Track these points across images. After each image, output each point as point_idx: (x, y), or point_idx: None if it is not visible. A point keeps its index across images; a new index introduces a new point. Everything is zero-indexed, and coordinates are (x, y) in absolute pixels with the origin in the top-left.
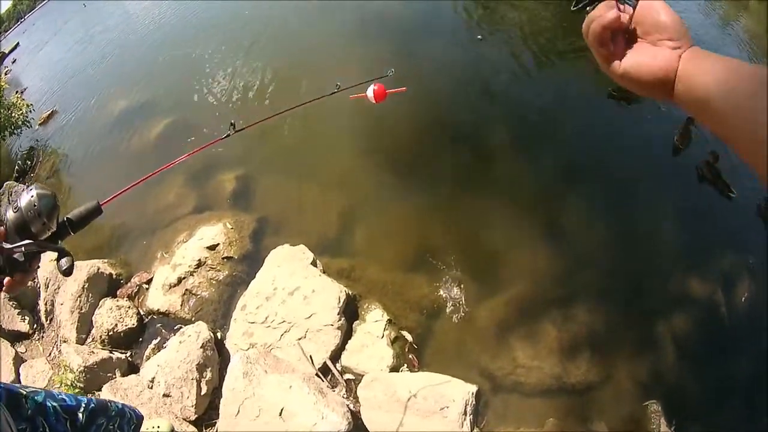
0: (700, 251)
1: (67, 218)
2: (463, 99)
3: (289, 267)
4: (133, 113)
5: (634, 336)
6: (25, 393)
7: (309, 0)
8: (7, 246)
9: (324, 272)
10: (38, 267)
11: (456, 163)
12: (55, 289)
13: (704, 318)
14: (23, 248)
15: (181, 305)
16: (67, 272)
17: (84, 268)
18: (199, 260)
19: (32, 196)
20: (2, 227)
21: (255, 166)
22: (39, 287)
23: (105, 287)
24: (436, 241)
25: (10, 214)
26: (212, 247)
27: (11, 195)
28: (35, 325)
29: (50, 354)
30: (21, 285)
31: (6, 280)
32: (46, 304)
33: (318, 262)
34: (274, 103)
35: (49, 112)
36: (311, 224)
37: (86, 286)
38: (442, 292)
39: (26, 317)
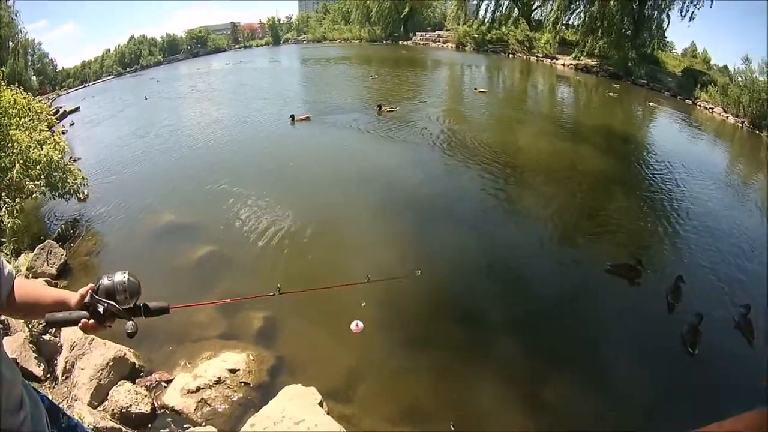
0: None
1: (144, 304)
2: (474, 280)
3: (298, 402)
4: (177, 231)
5: None
6: (63, 410)
7: (347, 169)
8: (96, 297)
9: (328, 413)
10: (109, 326)
11: (460, 338)
12: (79, 354)
13: None
14: (106, 304)
15: (195, 410)
16: (131, 335)
17: (112, 349)
18: (219, 378)
19: (125, 277)
20: (95, 285)
21: (283, 311)
22: (61, 346)
23: (126, 372)
24: (432, 407)
25: (104, 281)
26: (233, 371)
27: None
28: (48, 374)
29: (59, 403)
30: (93, 331)
31: (84, 321)
32: (66, 363)
33: (324, 403)
34: (306, 270)
35: (86, 194)
36: (324, 371)
37: (111, 364)
38: None
39: (41, 364)
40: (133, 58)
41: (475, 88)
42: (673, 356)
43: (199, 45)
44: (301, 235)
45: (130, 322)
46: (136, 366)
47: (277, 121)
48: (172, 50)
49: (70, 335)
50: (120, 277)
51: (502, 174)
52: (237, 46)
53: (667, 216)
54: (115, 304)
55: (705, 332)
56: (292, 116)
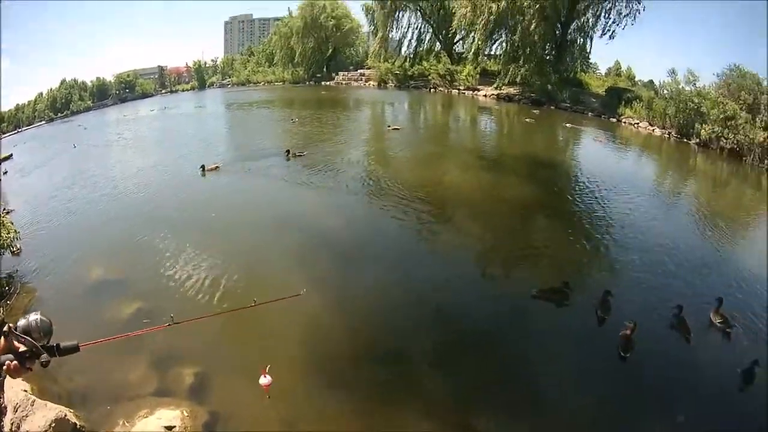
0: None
1: (57, 343)
2: (398, 317)
3: None
4: (106, 286)
5: None
6: None
7: (263, 216)
8: (16, 333)
9: None
10: (30, 368)
11: (389, 374)
12: (23, 416)
13: None
14: (24, 339)
15: None
16: (45, 365)
17: (53, 410)
18: None
19: (38, 317)
20: (12, 324)
21: (213, 365)
22: (5, 408)
23: None
24: None
25: (21, 321)
26: (169, 428)
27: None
28: None
29: None
30: (17, 374)
31: (8, 363)
32: (12, 424)
33: None
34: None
35: (19, 248)
36: (253, 423)
37: (53, 426)
38: None
39: None
40: (64, 103)
41: (389, 126)
42: (608, 367)
43: (127, 90)
44: (221, 284)
45: (45, 354)
46: (77, 426)
47: (198, 170)
48: (101, 95)
49: (12, 396)
50: (34, 316)
51: (423, 210)
52: (164, 91)
53: (593, 234)
54: (31, 339)
55: (638, 338)
56: (203, 167)
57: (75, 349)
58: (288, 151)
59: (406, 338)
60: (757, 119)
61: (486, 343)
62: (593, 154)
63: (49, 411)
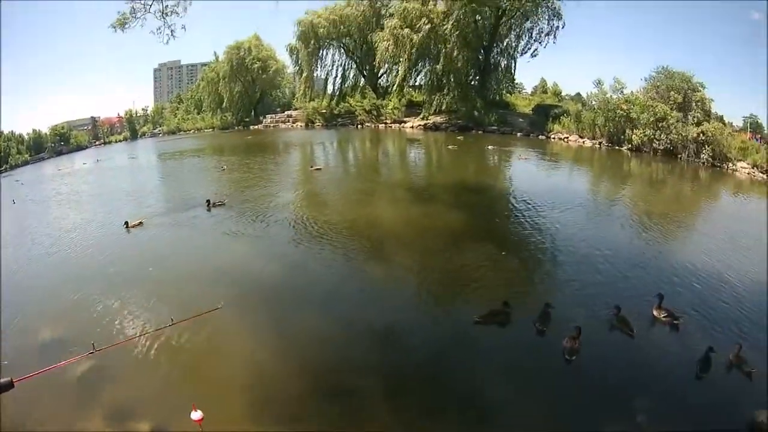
0: None
1: None
2: (339, 355)
3: None
4: (54, 345)
5: None
6: None
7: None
8: None
9: None
10: None
11: (334, 412)
12: None
13: None
14: None
15: None
16: (4, 390)
17: None
18: None
19: None
20: None
21: (169, 415)
22: None
23: None
24: None
25: None
26: None
27: None
28: None
29: None
30: None
31: None
32: None
33: None
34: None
35: None
36: None
37: None
38: None
39: None
40: (2, 157)
41: (311, 167)
42: (559, 374)
43: (62, 142)
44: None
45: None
46: None
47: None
48: (37, 148)
49: None
50: None
51: (353, 248)
52: (97, 143)
53: (527, 251)
54: None
55: (585, 342)
56: (126, 223)
57: (9, 385)
58: (208, 202)
59: (349, 373)
60: (689, 116)
61: (432, 369)
62: (521, 173)
63: None
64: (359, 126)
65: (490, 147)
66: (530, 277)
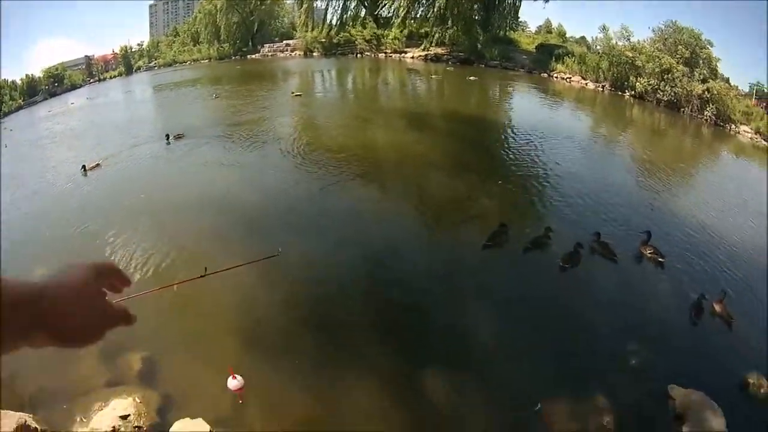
0: None
1: None
2: (344, 283)
3: None
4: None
5: None
6: None
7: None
8: None
9: None
10: None
11: (337, 341)
12: None
13: None
14: None
15: None
16: None
17: (13, 418)
18: (114, 427)
19: None
20: None
21: (160, 346)
22: None
23: None
24: (319, 413)
25: None
26: (124, 417)
27: None
28: None
29: None
30: None
31: None
32: None
33: None
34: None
35: None
36: (207, 400)
37: None
38: None
39: None
40: None
41: (292, 92)
42: (545, 306)
43: (56, 84)
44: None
45: None
46: (39, 431)
47: (122, 155)
48: (31, 92)
49: None
50: None
51: (350, 174)
52: (92, 81)
53: (525, 183)
54: None
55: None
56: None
57: None
58: (167, 136)
59: (342, 303)
60: (695, 72)
61: (427, 298)
62: (527, 108)
63: (10, 419)
64: (359, 55)
65: (471, 78)
66: (532, 207)
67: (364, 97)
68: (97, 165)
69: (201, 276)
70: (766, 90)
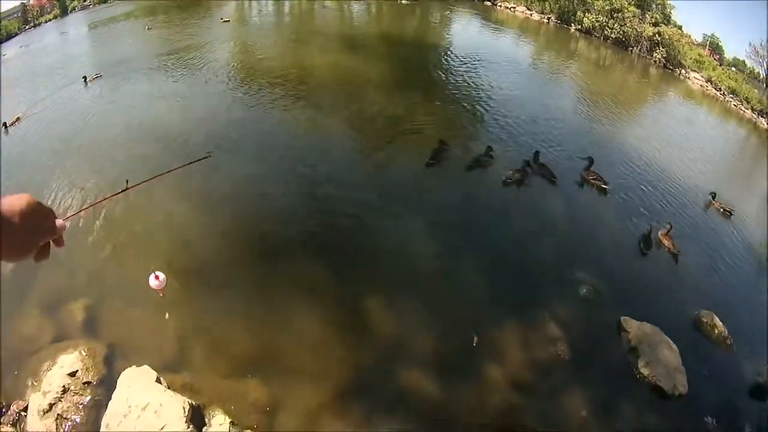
0: None
1: None
2: (280, 206)
3: (137, 386)
4: None
5: None
6: None
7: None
8: None
9: (168, 387)
10: None
11: (274, 270)
12: None
13: None
14: None
15: (56, 429)
16: None
17: None
18: (64, 386)
19: None
20: None
21: (100, 294)
22: None
23: None
24: (265, 346)
25: None
26: (72, 374)
27: None
28: None
29: None
30: None
31: None
32: None
33: (162, 379)
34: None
35: None
36: (151, 344)
37: None
38: (277, 387)
39: None
40: None
41: (221, 19)
42: (492, 229)
43: None
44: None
45: None
46: None
47: (49, 101)
48: None
49: None
50: None
51: (287, 96)
52: (27, 27)
53: (464, 105)
54: None
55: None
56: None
57: None
58: (85, 78)
59: (286, 228)
60: (646, 15)
61: (367, 220)
62: (469, 35)
63: None
64: None
65: (404, 1)
66: (464, 126)
67: (300, 20)
68: (17, 119)
69: (123, 190)
70: (719, 43)
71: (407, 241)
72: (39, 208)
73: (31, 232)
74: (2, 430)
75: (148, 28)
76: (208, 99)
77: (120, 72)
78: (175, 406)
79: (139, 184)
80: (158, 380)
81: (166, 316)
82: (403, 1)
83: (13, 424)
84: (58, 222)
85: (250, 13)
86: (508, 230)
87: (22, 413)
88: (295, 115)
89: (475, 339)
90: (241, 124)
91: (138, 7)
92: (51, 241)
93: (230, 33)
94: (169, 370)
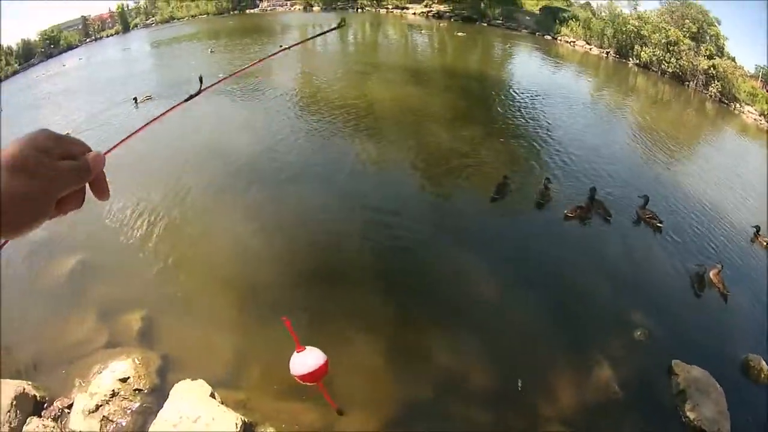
0: None
1: None
2: (344, 235)
3: (191, 399)
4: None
5: None
6: None
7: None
8: None
9: (222, 403)
10: None
11: (340, 299)
12: None
13: None
14: None
15: (100, 429)
16: None
17: (11, 386)
18: (113, 390)
19: None
20: None
21: (159, 306)
22: None
23: (30, 407)
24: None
25: None
26: (124, 380)
27: None
28: None
29: None
30: None
31: None
32: None
33: (216, 394)
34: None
35: None
36: (207, 360)
37: (15, 403)
38: (329, 411)
39: None
40: None
41: (281, 46)
42: (550, 267)
43: (52, 45)
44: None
45: None
46: (38, 398)
47: (119, 116)
48: (27, 56)
49: None
50: None
51: (348, 128)
52: (88, 40)
53: (530, 141)
54: None
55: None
56: None
57: None
58: (135, 99)
59: (349, 257)
60: (701, 47)
61: (430, 253)
62: (529, 69)
63: (8, 387)
64: (359, 10)
65: (459, 33)
66: (532, 160)
67: (364, 51)
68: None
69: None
70: None
71: (466, 273)
72: (44, 140)
73: (38, 177)
74: (43, 423)
75: (211, 51)
76: (271, 124)
77: (176, 94)
78: (227, 421)
79: (292, 46)
80: (212, 395)
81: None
82: (459, 33)
83: (55, 419)
84: (91, 155)
85: (314, 42)
86: (564, 266)
87: (66, 410)
88: (358, 144)
89: (520, 384)
90: (304, 151)
91: (201, 29)
92: (88, 188)
93: (293, 61)
94: (224, 386)
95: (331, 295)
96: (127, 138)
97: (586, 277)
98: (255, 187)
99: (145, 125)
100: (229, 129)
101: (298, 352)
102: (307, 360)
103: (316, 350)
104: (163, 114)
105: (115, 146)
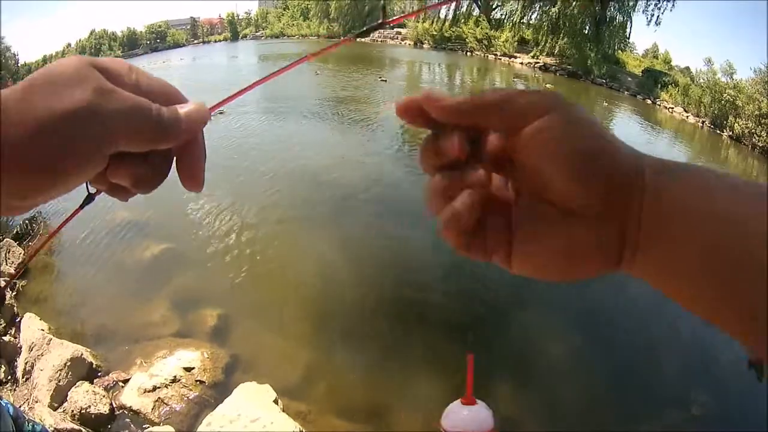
0: None
1: None
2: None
3: (254, 400)
4: (132, 228)
5: None
6: (27, 417)
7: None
8: None
9: (284, 410)
10: None
11: (402, 331)
12: (38, 354)
13: None
14: None
15: (152, 409)
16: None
17: (69, 348)
18: (175, 376)
19: None
20: None
21: (237, 309)
22: (21, 347)
23: (84, 372)
24: (379, 403)
25: None
26: (188, 369)
27: None
28: (9, 377)
29: (20, 406)
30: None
31: None
32: (26, 364)
33: (279, 401)
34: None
35: None
36: (277, 368)
37: (68, 364)
38: None
39: (2, 366)
40: (93, 53)
41: (380, 78)
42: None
43: (158, 40)
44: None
45: None
46: (94, 366)
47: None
48: (131, 45)
49: (28, 336)
50: None
51: None
52: (196, 42)
53: None
54: None
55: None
56: None
57: None
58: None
59: (429, 296)
60: None
61: (506, 304)
62: (628, 132)
63: (65, 350)
64: (468, 53)
65: (548, 85)
66: None
67: (470, 91)
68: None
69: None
70: None
71: (540, 330)
72: (111, 62)
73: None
74: (94, 389)
75: (316, 74)
76: (365, 156)
77: (272, 108)
78: (286, 427)
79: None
80: (275, 401)
81: None
82: (548, 85)
83: (107, 389)
84: (186, 109)
85: (421, 78)
86: (627, 323)
87: (120, 383)
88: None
89: None
90: (399, 185)
91: (310, 50)
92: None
93: (397, 93)
94: (288, 395)
95: (406, 331)
96: (237, 94)
97: (653, 344)
98: (350, 219)
99: (258, 81)
100: (328, 155)
101: (463, 403)
102: (477, 417)
103: (485, 408)
104: (277, 73)
105: (219, 103)
